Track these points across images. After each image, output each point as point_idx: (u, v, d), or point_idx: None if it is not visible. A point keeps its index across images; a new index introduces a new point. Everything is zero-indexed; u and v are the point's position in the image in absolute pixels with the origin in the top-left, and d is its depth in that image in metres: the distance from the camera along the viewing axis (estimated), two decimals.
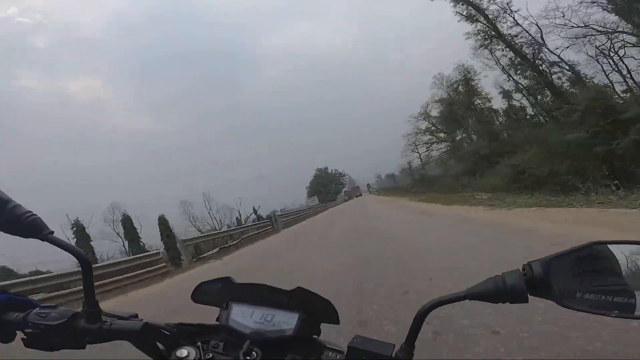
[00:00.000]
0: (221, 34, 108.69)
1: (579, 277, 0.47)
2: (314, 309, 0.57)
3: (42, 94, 61.52)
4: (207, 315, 0.65)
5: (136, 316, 0.59)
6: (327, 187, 77.95)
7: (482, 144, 24.09)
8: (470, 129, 29.88)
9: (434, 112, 34.21)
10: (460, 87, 29.33)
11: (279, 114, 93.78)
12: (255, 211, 40.18)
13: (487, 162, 19.62)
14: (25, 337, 0.55)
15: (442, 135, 35.24)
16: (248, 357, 0.52)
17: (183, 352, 0.54)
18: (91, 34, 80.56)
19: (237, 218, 38.81)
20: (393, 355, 0.51)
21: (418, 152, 36.70)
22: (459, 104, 28.94)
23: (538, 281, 0.48)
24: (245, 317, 0.58)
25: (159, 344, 0.57)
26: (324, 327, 0.58)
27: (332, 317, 0.57)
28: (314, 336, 0.58)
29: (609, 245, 0.48)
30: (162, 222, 13.27)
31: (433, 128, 35.05)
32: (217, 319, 0.60)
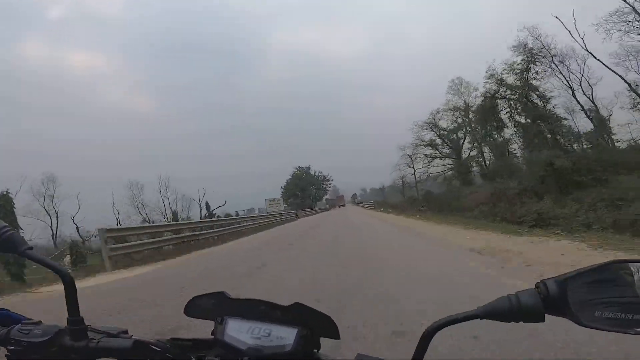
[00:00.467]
0: (226, 29, 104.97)
1: (596, 296, 0.46)
2: (313, 324, 0.55)
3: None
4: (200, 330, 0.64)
5: (126, 332, 0.57)
6: (306, 191, 65.14)
7: (558, 153, 17.55)
8: (518, 131, 24.52)
9: (444, 123, 31.08)
10: (510, 78, 23.89)
11: (270, 115, 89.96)
12: (208, 207, 34.21)
13: (567, 181, 12.39)
14: (8, 354, 0.54)
15: (447, 150, 31.74)
16: None
17: None
18: (102, 10, 77.54)
19: (174, 212, 32.67)
20: None
21: (413, 168, 33.15)
22: (510, 92, 23.58)
23: (554, 300, 0.47)
24: (241, 332, 0.55)
25: None
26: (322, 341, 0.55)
27: (333, 332, 0.55)
28: (314, 350, 0.55)
29: (622, 264, 0.48)
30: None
31: (438, 140, 31.37)
32: (212, 333, 0.57)
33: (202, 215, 33.25)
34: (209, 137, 75.53)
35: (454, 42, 66.02)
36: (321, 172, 68.78)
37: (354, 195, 74.84)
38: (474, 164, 29.96)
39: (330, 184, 69.58)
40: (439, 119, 31.35)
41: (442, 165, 31.99)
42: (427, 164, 31.83)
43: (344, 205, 68.93)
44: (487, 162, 28.17)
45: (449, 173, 30.85)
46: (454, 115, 30.68)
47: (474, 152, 29.99)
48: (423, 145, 31.67)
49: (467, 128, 29.89)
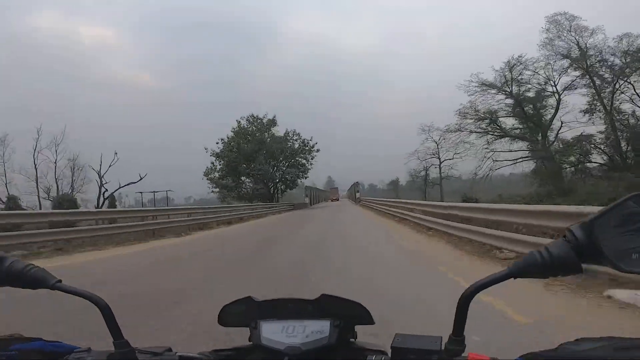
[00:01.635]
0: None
1: (627, 236, 0.42)
2: (345, 313, 0.56)
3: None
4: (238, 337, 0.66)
5: (170, 350, 0.57)
6: (267, 173, 33.04)
7: None
8: None
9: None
10: None
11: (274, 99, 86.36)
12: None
13: None
14: None
15: (521, 128, 20.80)
16: None
17: None
18: None
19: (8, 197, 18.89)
20: (443, 348, 0.48)
21: (439, 158, 25.22)
22: None
23: (586, 247, 0.43)
24: (276, 333, 0.55)
25: None
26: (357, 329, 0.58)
27: (366, 318, 0.56)
28: (352, 340, 0.57)
29: None
30: None
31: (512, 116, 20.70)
32: (249, 339, 0.58)
33: (101, 197, 22.08)
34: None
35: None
36: (298, 134, 35.94)
37: (355, 185, 46.70)
38: (592, 148, 18.15)
39: (313, 158, 36.57)
40: (520, 72, 19.63)
41: (510, 151, 20.97)
42: (486, 148, 20.78)
43: (337, 199, 58.74)
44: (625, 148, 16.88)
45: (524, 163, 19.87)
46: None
47: (597, 126, 18.08)
48: (474, 118, 20.79)
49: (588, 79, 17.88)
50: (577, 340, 0.45)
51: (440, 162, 26.33)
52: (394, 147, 62.14)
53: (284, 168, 35.39)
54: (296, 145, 36.10)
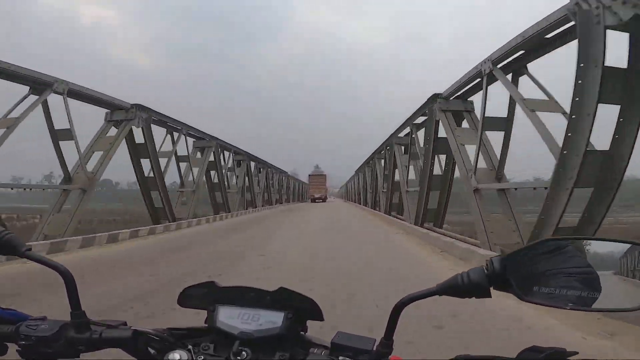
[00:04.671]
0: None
1: (535, 272, 0.50)
2: (298, 307, 0.58)
3: None
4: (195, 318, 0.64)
5: (125, 324, 0.59)
6: None
7: None
8: None
9: None
10: None
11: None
12: None
13: None
14: (19, 349, 0.56)
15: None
16: (238, 357, 0.53)
17: (175, 355, 0.54)
18: None
19: None
20: (374, 349, 0.53)
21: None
22: None
23: (498, 276, 0.50)
24: (232, 318, 0.58)
25: (150, 349, 0.56)
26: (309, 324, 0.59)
27: (317, 314, 0.59)
28: (301, 332, 0.59)
29: (561, 241, 0.52)
30: None
31: None
32: (205, 322, 0.60)
33: None
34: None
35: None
36: None
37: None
38: None
39: None
40: None
41: None
42: None
43: (322, 197, 35.34)
44: None
45: None
46: None
47: None
48: None
49: None
50: (531, 346, 0.49)
51: None
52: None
53: None
54: None
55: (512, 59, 6.43)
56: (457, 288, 0.51)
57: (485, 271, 0.51)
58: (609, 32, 4.33)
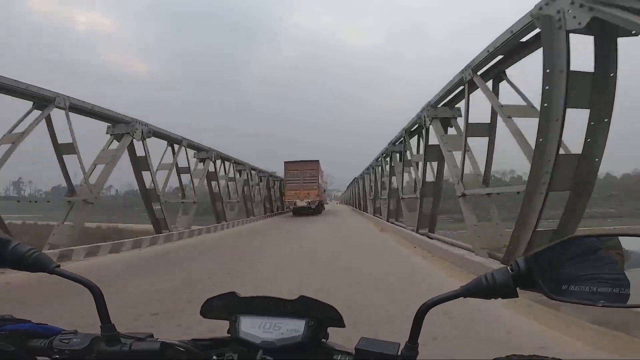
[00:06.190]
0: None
1: (562, 270, 0.50)
2: (320, 314, 0.59)
3: None
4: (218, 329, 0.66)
5: (151, 336, 0.61)
6: None
7: None
8: None
9: None
10: None
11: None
12: None
13: None
14: None
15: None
16: None
17: None
18: None
19: None
20: (399, 353, 0.54)
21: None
22: None
23: (524, 276, 0.51)
24: (254, 327, 0.59)
25: None
26: (331, 330, 0.60)
27: (338, 321, 0.59)
28: (323, 340, 0.60)
29: (586, 239, 0.52)
30: None
31: None
32: (228, 332, 0.62)
33: None
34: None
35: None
36: None
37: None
38: None
39: None
40: None
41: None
42: None
43: (313, 206, 22.07)
44: None
45: None
46: None
47: None
48: None
49: None
50: (508, 356, 0.51)
51: None
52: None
53: None
54: None
55: (492, 65, 6.44)
56: (482, 289, 0.52)
57: (511, 272, 0.51)
58: (574, 36, 4.36)
